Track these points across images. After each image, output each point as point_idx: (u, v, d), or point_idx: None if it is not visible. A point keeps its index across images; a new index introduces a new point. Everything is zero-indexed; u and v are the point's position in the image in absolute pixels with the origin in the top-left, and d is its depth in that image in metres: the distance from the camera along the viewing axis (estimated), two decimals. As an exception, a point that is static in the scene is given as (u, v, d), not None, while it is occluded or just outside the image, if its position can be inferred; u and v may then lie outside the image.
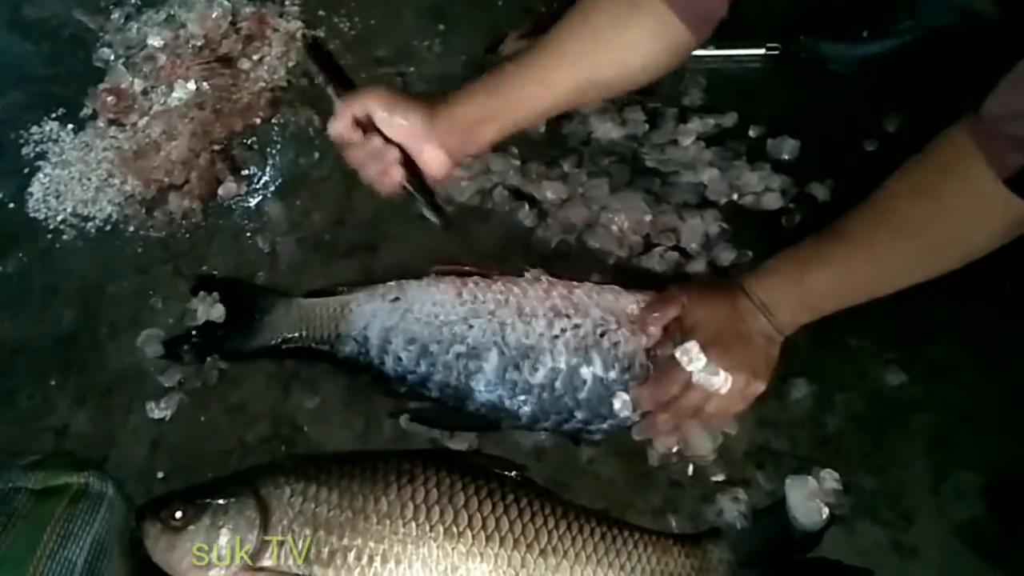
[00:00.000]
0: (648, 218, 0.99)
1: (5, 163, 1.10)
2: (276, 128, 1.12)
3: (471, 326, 0.85)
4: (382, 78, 1.15)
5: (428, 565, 0.70)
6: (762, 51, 1.13)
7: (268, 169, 1.09)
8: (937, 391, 0.86)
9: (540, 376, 0.83)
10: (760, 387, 0.79)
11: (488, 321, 0.85)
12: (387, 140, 0.80)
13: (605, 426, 0.83)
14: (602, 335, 0.84)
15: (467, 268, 0.90)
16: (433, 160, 0.81)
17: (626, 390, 0.82)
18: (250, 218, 1.04)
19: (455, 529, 0.71)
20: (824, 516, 0.76)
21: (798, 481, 0.78)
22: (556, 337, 0.84)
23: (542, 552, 0.71)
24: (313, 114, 1.13)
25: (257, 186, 1.07)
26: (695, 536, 0.78)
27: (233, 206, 1.05)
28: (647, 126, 1.08)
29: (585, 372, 0.83)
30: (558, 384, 0.83)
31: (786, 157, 1.04)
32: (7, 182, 1.08)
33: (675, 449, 0.83)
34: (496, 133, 0.83)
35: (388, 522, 0.71)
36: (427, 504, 0.72)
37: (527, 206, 1.01)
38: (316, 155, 1.10)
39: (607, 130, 1.08)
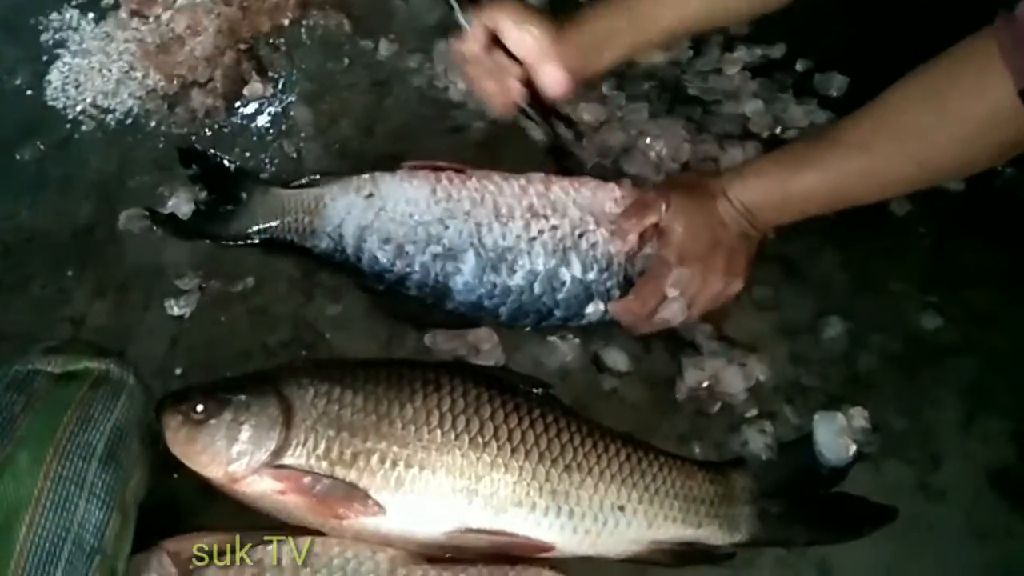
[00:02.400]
0: (687, 146, 0.96)
1: (23, 49, 1.06)
2: (305, 31, 1.08)
3: (447, 227, 0.84)
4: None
5: (452, 473, 0.69)
6: (816, -19, 1.08)
7: (295, 72, 1.05)
8: (974, 337, 0.85)
9: (518, 278, 0.82)
10: (738, 286, 0.80)
11: (464, 222, 0.84)
12: (510, 57, 0.80)
13: (583, 322, 0.83)
14: (580, 236, 0.83)
15: (441, 164, 0.87)
16: (553, 78, 0.80)
17: (605, 292, 0.82)
18: (275, 121, 1.01)
19: (480, 440, 0.70)
20: (851, 453, 0.75)
21: (826, 416, 0.77)
22: (533, 239, 0.83)
23: (567, 468, 0.70)
24: (343, 18, 1.08)
25: (283, 89, 1.04)
26: (719, 464, 0.77)
27: (258, 107, 1.02)
28: (691, 52, 1.05)
29: (564, 274, 0.82)
30: (536, 286, 0.82)
31: (834, 93, 1.01)
32: (25, 68, 1.04)
33: (705, 385, 0.82)
34: (618, 54, 0.84)
35: (413, 428, 0.69)
36: (453, 413, 0.70)
37: (563, 127, 0.97)
38: (345, 61, 1.06)
39: (649, 54, 1.04)
